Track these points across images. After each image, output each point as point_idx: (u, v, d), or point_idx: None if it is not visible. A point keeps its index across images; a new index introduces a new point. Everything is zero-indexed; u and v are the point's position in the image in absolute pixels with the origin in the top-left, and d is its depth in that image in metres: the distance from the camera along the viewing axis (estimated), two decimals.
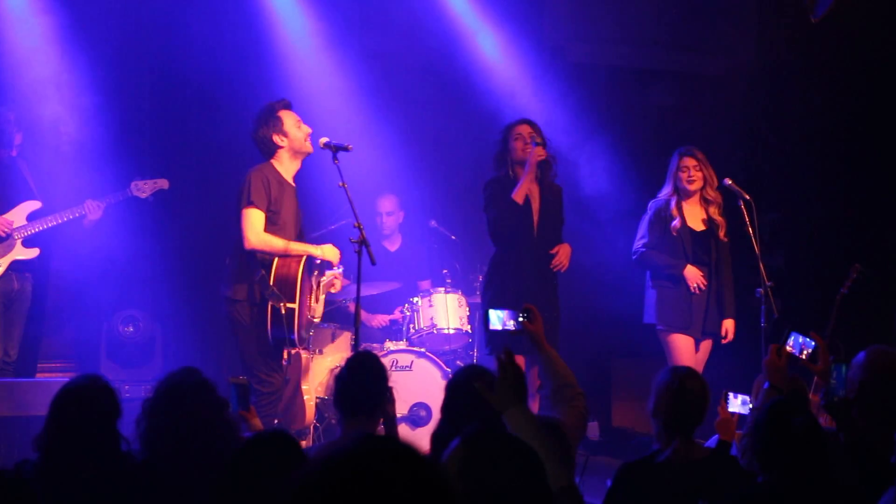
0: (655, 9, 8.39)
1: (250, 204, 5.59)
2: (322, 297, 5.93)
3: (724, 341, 6.52)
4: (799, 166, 8.32)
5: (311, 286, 5.78)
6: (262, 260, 5.60)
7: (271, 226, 5.69)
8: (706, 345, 6.50)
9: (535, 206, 6.24)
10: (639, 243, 6.53)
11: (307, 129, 5.77)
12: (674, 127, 8.19)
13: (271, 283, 5.49)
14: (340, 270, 5.98)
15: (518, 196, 6.09)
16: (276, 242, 5.64)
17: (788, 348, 4.26)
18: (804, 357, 4.21)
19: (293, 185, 5.83)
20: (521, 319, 3.88)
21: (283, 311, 5.46)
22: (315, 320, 5.91)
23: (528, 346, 4.18)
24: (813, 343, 4.18)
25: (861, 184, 8.08)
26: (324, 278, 5.88)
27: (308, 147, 5.76)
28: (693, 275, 6.39)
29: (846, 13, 7.42)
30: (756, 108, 8.59)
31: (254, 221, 5.60)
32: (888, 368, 3.68)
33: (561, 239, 6.34)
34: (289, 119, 5.75)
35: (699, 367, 6.32)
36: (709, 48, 8.60)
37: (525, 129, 6.22)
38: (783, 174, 8.36)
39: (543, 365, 3.80)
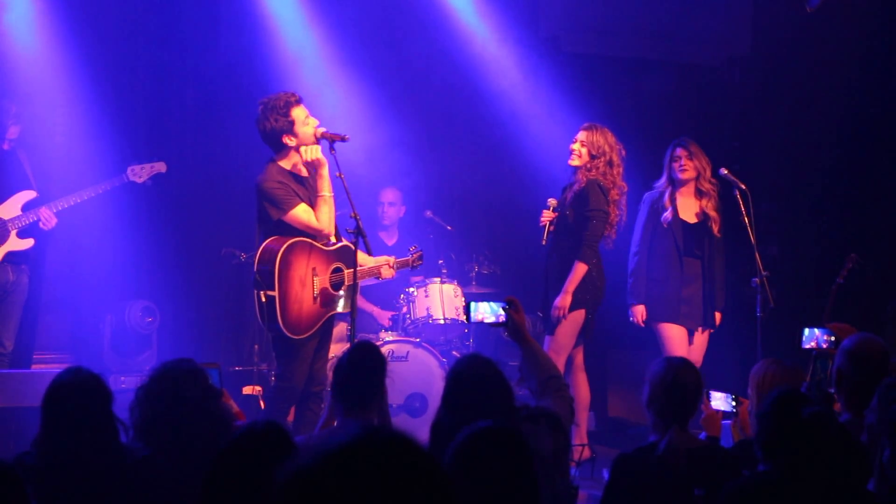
0: None
1: (288, 208, 5.33)
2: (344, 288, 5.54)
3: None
4: (794, 156, 8.33)
5: (314, 275, 5.42)
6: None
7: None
8: (703, 336, 6.49)
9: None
10: (633, 249, 6.54)
11: (314, 122, 5.48)
12: (669, 117, 8.18)
13: (255, 268, 5.26)
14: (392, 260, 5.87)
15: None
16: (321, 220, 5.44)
17: (810, 342, 4.30)
18: (826, 347, 4.24)
19: (306, 174, 5.59)
20: (503, 311, 3.86)
21: (264, 300, 5.22)
22: (333, 312, 5.55)
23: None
24: (832, 333, 4.22)
25: (856, 173, 8.08)
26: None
27: (313, 142, 5.49)
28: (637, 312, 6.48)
29: (841, 3, 7.43)
30: (752, 99, 8.60)
31: (306, 216, 5.37)
32: (869, 355, 3.69)
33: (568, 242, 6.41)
34: (299, 117, 5.44)
35: (697, 358, 6.34)
36: (704, 38, 8.60)
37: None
38: (778, 164, 8.36)
39: (527, 358, 3.77)
